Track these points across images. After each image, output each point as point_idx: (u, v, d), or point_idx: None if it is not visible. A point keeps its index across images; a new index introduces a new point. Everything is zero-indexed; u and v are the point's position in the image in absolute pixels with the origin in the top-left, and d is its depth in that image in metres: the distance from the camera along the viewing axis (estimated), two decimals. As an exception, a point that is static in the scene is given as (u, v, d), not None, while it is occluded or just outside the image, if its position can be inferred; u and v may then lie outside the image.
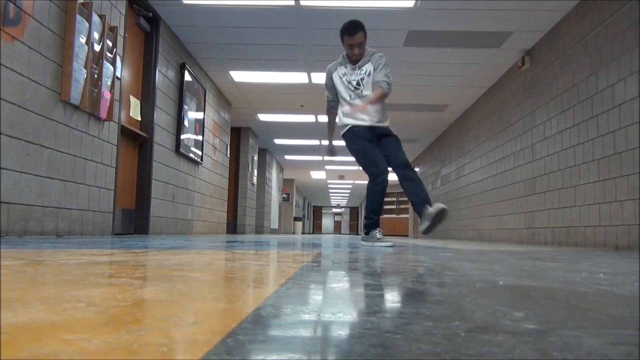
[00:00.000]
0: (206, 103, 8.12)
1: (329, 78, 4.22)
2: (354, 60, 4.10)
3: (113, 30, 4.74)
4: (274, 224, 16.80)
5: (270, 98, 9.39)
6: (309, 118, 10.67)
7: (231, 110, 10.04)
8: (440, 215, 3.84)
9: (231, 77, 8.25)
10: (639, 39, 4.24)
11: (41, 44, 3.68)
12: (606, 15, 4.76)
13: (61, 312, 0.69)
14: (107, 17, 4.61)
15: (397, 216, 22.46)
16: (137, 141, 5.84)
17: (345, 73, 4.12)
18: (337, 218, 48.32)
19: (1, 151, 3.27)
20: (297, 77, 8.09)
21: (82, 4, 4.15)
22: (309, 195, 32.61)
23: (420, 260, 2.13)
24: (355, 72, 4.09)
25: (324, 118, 10.60)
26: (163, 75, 6.22)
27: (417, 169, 15.30)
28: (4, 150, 3.30)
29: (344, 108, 4.16)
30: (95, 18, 4.33)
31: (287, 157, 16.17)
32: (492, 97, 8.27)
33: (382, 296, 1.02)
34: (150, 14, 5.85)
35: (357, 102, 4.06)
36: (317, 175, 20.94)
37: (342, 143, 4.26)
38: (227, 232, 10.53)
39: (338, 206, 42.89)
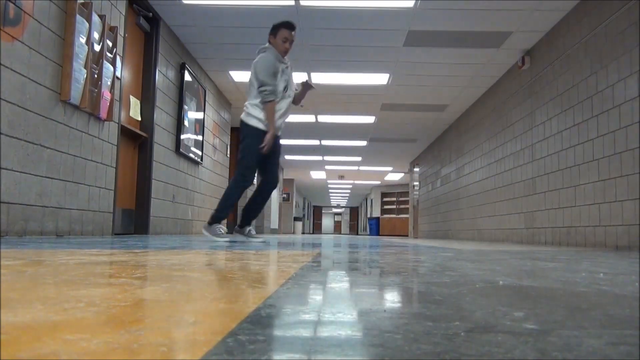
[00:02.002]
0: (206, 103, 8.12)
1: (274, 68, 4.10)
2: (283, 57, 4.15)
3: (113, 30, 4.73)
4: (274, 224, 16.79)
5: (270, 98, 9.38)
6: (309, 118, 10.67)
7: (231, 110, 10.04)
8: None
9: (231, 77, 8.25)
10: (639, 39, 4.24)
11: (41, 44, 3.67)
12: (606, 15, 4.76)
13: (61, 312, 0.69)
14: (107, 17, 4.61)
15: (397, 216, 22.46)
16: (137, 141, 5.84)
17: (283, 70, 4.14)
18: (337, 218, 48.33)
19: (1, 151, 3.27)
20: (297, 77, 8.08)
21: (82, 4, 4.15)
22: (309, 195, 32.60)
23: (420, 260, 2.13)
24: (286, 71, 4.18)
25: (323, 118, 10.64)
26: (163, 75, 6.22)
27: (416, 169, 15.31)
28: (4, 150, 3.30)
29: (278, 104, 4.17)
30: (95, 18, 4.33)
31: (287, 157, 16.17)
32: (492, 97, 8.27)
33: (382, 296, 1.02)
34: (150, 14, 5.85)
35: (283, 103, 4.16)
36: (317, 175, 20.94)
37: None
38: (227, 232, 10.53)
39: (338, 206, 42.89)
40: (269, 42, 4.19)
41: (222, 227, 4.24)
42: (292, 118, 10.74)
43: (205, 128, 8.05)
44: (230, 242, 3.96)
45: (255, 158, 4.13)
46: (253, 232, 4.41)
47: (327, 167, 18.39)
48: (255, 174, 4.26)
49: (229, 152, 10.00)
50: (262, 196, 4.34)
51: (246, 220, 4.37)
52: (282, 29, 4.09)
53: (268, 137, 4.07)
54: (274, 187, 4.35)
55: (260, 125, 4.12)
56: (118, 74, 4.86)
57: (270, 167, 4.26)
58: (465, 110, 9.81)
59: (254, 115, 4.14)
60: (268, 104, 4.08)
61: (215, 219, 4.18)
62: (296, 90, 4.37)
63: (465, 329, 0.64)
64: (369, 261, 2.06)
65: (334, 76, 7.97)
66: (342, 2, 5.52)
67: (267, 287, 1.08)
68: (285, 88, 4.15)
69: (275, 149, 4.26)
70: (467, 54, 6.87)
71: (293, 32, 4.13)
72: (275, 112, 4.12)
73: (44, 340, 0.53)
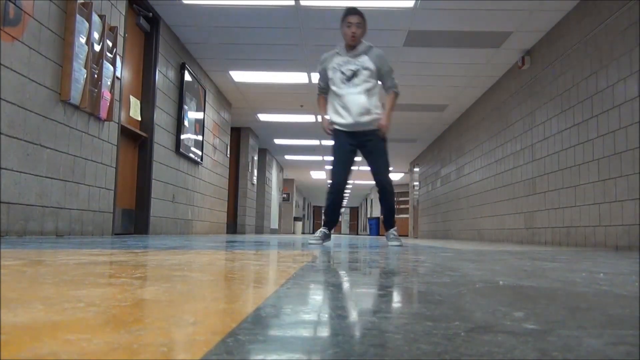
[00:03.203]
0: (206, 103, 8.12)
1: (323, 65, 4.06)
2: (351, 45, 3.95)
3: (113, 30, 4.73)
4: (274, 224, 16.79)
5: (270, 98, 9.39)
6: (309, 118, 10.67)
7: (231, 110, 10.04)
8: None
9: (231, 77, 8.25)
10: (639, 39, 4.24)
11: (41, 44, 3.67)
12: (606, 15, 4.76)
13: (61, 312, 0.69)
14: (107, 17, 4.61)
15: (397, 216, 22.46)
16: (137, 141, 5.84)
17: (340, 63, 3.96)
18: (337, 218, 48.21)
19: (1, 151, 3.27)
20: (297, 77, 8.09)
21: (82, 4, 4.15)
22: (309, 195, 32.61)
23: (420, 260, 2.13)
24: (352, 61, 3.95)
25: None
26: (163, 75, 6.22)
27: (416, 169, 15.31)
28: (4, 150, 3.30)
29: (333, 102, 4.00)
30: (95, 18, 4.33)
31: (287, 157, 16.17)
32: (492, 97, 8.27)
33: (382, 296, 1.02)
34: (150, 14, 5.85)
35: (350, 94, 3.91)
36: (317, 175, 20.94)
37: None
38: (227, 232, 10.53)
39: (338, 206, 42.76)
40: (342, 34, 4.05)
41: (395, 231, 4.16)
42: (292, 118, 10.76)
43: (205, 128, 8.05)
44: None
45: (333, 159, 4.09)
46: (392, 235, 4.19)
47: (327, 167, 18.39)
48: (335, 179, 4.07)
49: (228, 152, 10.01)
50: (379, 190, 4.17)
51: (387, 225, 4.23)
52: (344, 17, 3.99)
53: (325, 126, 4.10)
54: (381, 183, 4.11)
55: (332, 125, 4.06)
56: (118, 74, 4.86)
57: (371, 164, 4.15)
58: (465, 110, 9.81)
59: (329, 117, 4.07)
60: (318, 98, 4.22)
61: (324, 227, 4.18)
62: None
63: (465, 329, 0.64)
64: (369, 261, 2.06)
65: (334, 76, 7.95)
66: (342, 2, 5.52)
67: (267, 287, 1.08)
68: (351, 78, 3.93)
69: (365, 144, 4.06)
70: (467, 54, 6.86)
71: (356, 15, 3.96)
72: (332, 112, 4.02)
73: (44, 340, 0.53)
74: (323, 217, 4.27)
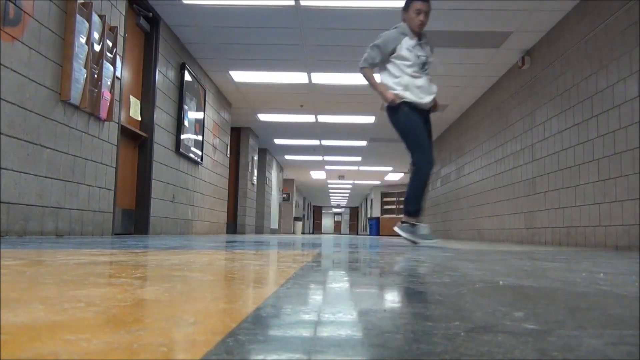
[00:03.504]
0: (206, 103, 8.12)
1: (391, 42, 3.96)
2: (418, 33, 3.98)
3: (113, 30, 4.73)
4: (274, 224, 16.79)
5: (270, 98, 9.39)
6: (309, 118, 10.66)
7: (231, 110, 10.04)
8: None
9: (231, 77, 8.25)
10: (639, 39, 4.24)
11: (41, 44, 3.67)
12: (606, 15, 4.76)
13: (61, 312, 0.69)
14: (107, 17, 4.61)
15: (397, 216, 22.45)
16: (137, 141, 5.84)
17: (413, 46, 3.95)
18: (337, 218, 48.33)
19: (1, 151, 3.27)
20: (297, 77, 8.09)
21: (82, 4, 4.15)
22: (309, 195, 32.60)
23: (420, 260, 2.13)
24: (421, 48, 3.98)
25: (324, 118, 10.64)
26: (163, 75, 6.22)
27: (417, 169, 15.26)
28: (4, 150, 3.30)
29: (402, 79, 3.96)
30: (95, 18, 4.33)
31: (287, 157, 16.17)
32: (492, 97, 8.27)
33: (382, 296, 1.02)
34: (150, 14, 5.85)
35: (424, 77, 3.99)
36: (317, 175, 20.94)
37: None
38: (227, 232, 10.53)
39: (338, 206, 42.89)
40: (403, 19, 4.05)
41: (426, 227, 4.05)
42: (292, 118, 10.76)
43: (205, 128, 8.05)
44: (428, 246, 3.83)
45: (414, 135, 3.99)
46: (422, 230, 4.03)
47: (327, 167, 18.39)
48: (427, 154, 4.00)
49: (228, 152, 10.01)
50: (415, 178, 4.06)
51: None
52: (412, 1, 3.93)
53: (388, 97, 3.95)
54: (424, 168, 4.02)
55: (401, 94, 3.97)
56: (118, 74, 4.86)
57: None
58: (465, 110, 9.81)
59: (390, 88, 4.00)
60: (361, 71, 4.06)
61: (410, 214, 4.03)
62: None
63: (465, 329, 0.64)
64: (368, 261, 2.06)
65: (334, 76, 7.97)
66: (342, 2, 5.52)
67: (267, 287, 1.08)
68: (424, 65, 3.99)
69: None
70: (467, 54, 6.86)
71: (426, 3, 3.92)
72: (402, 88, 3.96)
73: (44, 340, 0.53)
74: (409, 207, 4.04)
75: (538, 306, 0.88)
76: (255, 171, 12.75)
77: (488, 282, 1.29)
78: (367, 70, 4.04)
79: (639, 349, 0.56)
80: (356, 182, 23.32)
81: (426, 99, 4.04)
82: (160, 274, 1.27)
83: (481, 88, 8.43)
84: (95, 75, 4.37)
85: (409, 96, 3.98)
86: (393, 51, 3.97)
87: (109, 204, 4.85)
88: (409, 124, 4.01)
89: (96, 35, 4.37)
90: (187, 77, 7.03)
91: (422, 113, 4.09)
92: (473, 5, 5.47)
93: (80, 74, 4.10)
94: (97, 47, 4.39)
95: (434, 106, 4.15)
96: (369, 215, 26.95)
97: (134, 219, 5.80)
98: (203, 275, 1.26)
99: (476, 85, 8.27)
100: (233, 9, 5.73)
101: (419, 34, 4.02)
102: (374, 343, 0.56)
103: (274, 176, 16.23)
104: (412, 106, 4.01)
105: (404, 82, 3.97)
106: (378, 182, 23.01)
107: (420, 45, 4.01)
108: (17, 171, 3.44)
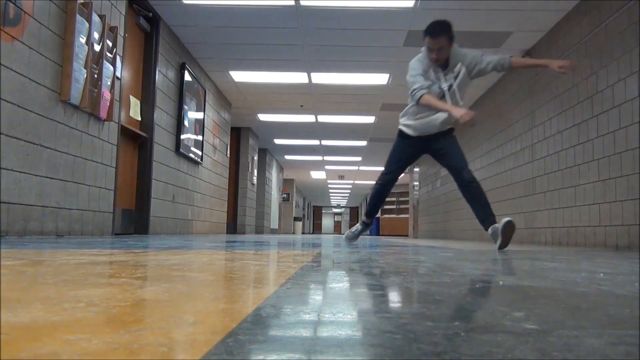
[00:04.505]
0: (206, 103, 8.12)
1: (422, 70, 3.70)
2: (437, 65, 3.71)
3: (113, 30, 4.73)
4: (274, 224, 16.80)
5: (270, 98, 9.39)
6: (309, 118, 10.67)
7: (231, 110, 10.04)
8: (507, 230, 3.63)
9: (231, 77, 8.25)
10: (639, 39, 4.24)
11: (41, 44, 3.67)
12: (606, 15, 4.76)
13: (61, 312, 0.69)
14: (107, 17, 4.61)
15: (397, 216, 22.46)
16: (137, 141, 5.84)
17: (439, 77, 3.72)
18: (337, 218, 48.33)
19: (1, 151, 3.27)
20: (297, 77, 8.09)
21: (82, 4, 4.15)
22: (309, 195, 32.60)
23: (420, 260, 2.13)
24: (442, 78, 3.71)
25: (323, 118, 10.64)
26: (163, 75, 6.22)
27: (416, 169, 15.30)
28: (4, 150, 3.30)
29: (410, 108, 3.89)
30: (95, 18, 4.33)
31: (287, 157, 16.17)
32: (492, 97, 8.27)
33: (382, 296, 1.02)
34: (150, 14, 5.85)
35: (431, 114, 3.81)
36: (317, 175, 20.94)
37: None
38: (227, 232, 10.53)
39: (338, 206, 42.90)
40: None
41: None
42: (292, 118, 10.77)
43: (205, 128, 8.05)
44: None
45: (390, 153, 4.18)
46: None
47: (327, 167, 18.40)
48: (391, 173, 4.17)
49: (228, 152, 10.01)
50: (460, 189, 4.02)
51: (485, 224, 3.95)
52: (425, 37, 3.65)
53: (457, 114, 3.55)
54: (463, 181, 3.93)
55: (400, 125, 4.06)
56: (118, 74, 4.86)
57: (448, 165, 4.03)
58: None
59: (402, 118, 4.04)
60: (421, 100, 3.64)
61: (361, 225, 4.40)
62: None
63: (465, 329, 0.64)
64: (368, 261, 2.06)
65: (334, 76, 7.97)
66: (342, 2, 5.52)
67: (267, 287, 1.08)
68: (443, 97, 3.72)
69: (435, 143, 3.98)
70: (467, 54, 6.86)
71: (436, 39, 3.59)
72: (408, 116, 3.92)
73: (44, 340, 0.53)
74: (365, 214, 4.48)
75: (538, 306, 0.88)
76: (255, 171, 12.75)
77: (488, 282, 1.29)
78: (424, 97, 3.64)
79: (639, 349, 0.56)
80: (356, 182, 23.32)
81: (421, 131, 3.92)
82: (160, 274, 1.27)
83: (481, 88, 8.43)
84: (95, 75, 4.37)
85: (404, 128, 4.03)
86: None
87: (109, 204, 4.85)
88: (392, 148, 4.21)
89: (96, 35, 4.37)
90: (187, 77, 7.03)
91: (421, 140, 3.97)
92: (473, 5, 5.47)
93: (80, 74, 4.10)
94: (97, 47, 4.39)
95: (457, 122, 3.70)
96: (368, 216, 26.86)
97: (134, 219, 5.80)
98: (203, 275, 1.26)
99: (476, 85, 8.26)
100: (233, 9, 5.73)
101: (442, 64, 3.72)
102: (373, 343, 0.56)
103: (274, 176, 16.23)
104: (404, 135, 4.03)
105: (410, 111, 3.93)
106: (378, 182, 22.96)
107: (440, 75, 3.72)
108: (17, 171, 3.44)
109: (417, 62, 3.77)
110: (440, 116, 3.83)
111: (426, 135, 3.96)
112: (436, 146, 3.99)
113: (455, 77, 3.74)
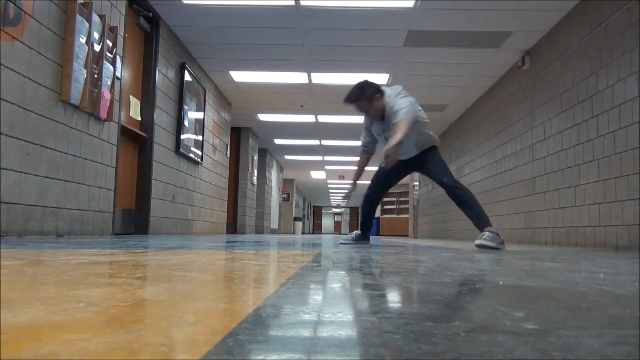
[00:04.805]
0: (206, 103, 8.12)
1: (365, 126, 4.26)
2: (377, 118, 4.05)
3: (113, 30, 4.73)
4: (274, 224, 16.79)
5: (270, 98, 9.39)
6: (309, 118, 10.66)
7: (231, 110, 10.04)
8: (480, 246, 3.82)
9: (231, 77, 8.25)
10: (639, 39, 4.24)
11: (41, 44, 3.67)
12: (606, 15, 4.76)
13: (61, 312, 0.69)
14: (107, 17, 4.61)
15: (397, 216, 22.46)
16: (137, 141, 5.84)
17: (382, 129, 4.04)
18: (337, 218, 48.33)
19: (1, 151, 3.27)
20: (297, 77, 8.09)
21: (82, 4, 4.15)
22: (309, 195, 32.60)
23: (420, 260, 2.13)
24: (385, 128, 4.01)
25: (323, 118, 10.64)
26: (163, 75, 6.22)
27: (417, 169, 15.25)
28: (4, 150, 3.30)
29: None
30: (95, 18, 4.33)
31: (287, 157, 16.17)
32: (492, 97, 8.27)
33: (382, 296, 1.02)
34: (150, 14, 5.85)
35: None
36: (317, 175, 20.93)
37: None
38: (227, 232, 10.53)
39: (338, 206, 42.90)
40: None
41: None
42: (292, 118, 10.77)
43: (205, 128, 8.05)
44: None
45: (374, 176, 4.52)
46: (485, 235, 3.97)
47: (327, 167, 18.39)
48: (369, 191, 4.55)
49: (228, 152, 10.00)
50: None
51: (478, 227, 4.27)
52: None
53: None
54: (448, 190, 4.23)
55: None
56: (118, 74, 4.86)
57: (433, 178, 4.29)
58: (465, 110, 9.81)
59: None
60: (360, 154, 4.58)
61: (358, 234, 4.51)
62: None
63: (465, 329, 0.64)
64: (368, 261, 2.06)
65: (334, 76, 7.97)
66: (342, 2, 5.52)
67: (267, 287, 1.08)
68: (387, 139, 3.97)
69: (419, 162, 4.26)
70: (467, 54, 6.86)
71: (353, 106, 4.02)
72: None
73: (44, 340, 0.53)
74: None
75: (538, 306, 0.88)
76: (255, 171, 12.75)
77: (488, 282, 1.29)
78: (360, 154, 4.54)
79: (639, 349, 0.56)
80: (357, 182, 23.29)
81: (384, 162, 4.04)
82: (160, 274, 1.27)
83: (481, 88, 8.43)
84: (95, 75, 4.37)
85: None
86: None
87: (109, 204, 4.85)
88: (377, 168, 4.53)
89: (96, 35, 4.37)
90: (187, 77, 7.03)
91: (404, 162, 4.19)
92: (473, 5, 5.47)
93: (80, 74, 4.10)
94: (97, 47, 4.39)
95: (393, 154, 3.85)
96: (368, 216, 26.86)
97: (134, 219, 5.80)
98: (203, 275, 1.26)
99: (476, 85, 8.27)
100: (233, 9, 5.73)
101: (380, 117, 4.00)
102: (373, 343, 0.56)
103: (274, 176, 16.23)
104: (381, 166, 4.35)
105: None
106: (378, 182, 22.96)
107: (382, 125, 4.04)
108: (17, 171, 3.44)
109: (365, 117, 4.21)
110: (410, 142, 4.05)
111: (408, 158, 4.19)
112: (420, 164, 4.25)
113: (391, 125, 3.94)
